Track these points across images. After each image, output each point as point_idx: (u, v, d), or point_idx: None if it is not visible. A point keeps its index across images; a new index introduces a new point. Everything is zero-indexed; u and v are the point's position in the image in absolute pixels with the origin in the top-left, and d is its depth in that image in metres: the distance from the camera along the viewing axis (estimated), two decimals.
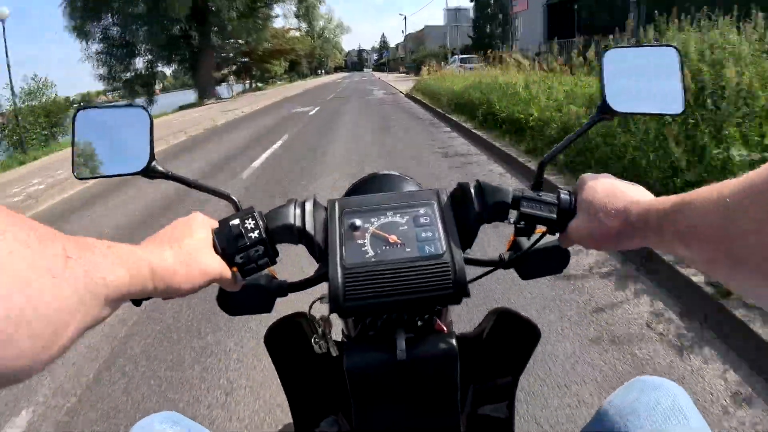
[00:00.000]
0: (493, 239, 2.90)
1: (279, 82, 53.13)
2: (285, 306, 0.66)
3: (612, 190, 0.51)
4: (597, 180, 0.54)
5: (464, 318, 2.12)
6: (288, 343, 0.69)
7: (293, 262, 2.11)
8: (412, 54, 58.45)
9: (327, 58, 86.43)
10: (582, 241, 0.54)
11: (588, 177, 0.55)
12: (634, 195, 0.49)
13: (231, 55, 39.30)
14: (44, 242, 0.30)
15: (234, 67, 39.55)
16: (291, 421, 0.74)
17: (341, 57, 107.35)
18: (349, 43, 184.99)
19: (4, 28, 11.93)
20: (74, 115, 0.58)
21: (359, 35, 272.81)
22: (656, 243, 0.44)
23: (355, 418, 0.60)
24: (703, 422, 0.60)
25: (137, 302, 0.46)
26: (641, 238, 0.46)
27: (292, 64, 58.40)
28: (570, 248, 0.61)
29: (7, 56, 12.24)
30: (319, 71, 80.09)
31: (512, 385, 0.71)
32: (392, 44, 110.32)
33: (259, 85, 45.64)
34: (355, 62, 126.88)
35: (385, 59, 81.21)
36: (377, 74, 61.59)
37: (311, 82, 45.99)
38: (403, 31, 71.45)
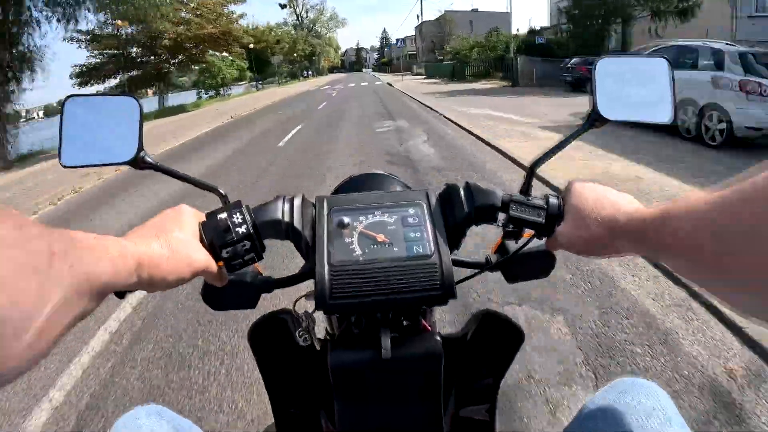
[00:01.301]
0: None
1: (237, 91, 35.70)
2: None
3: (600, 198, 0.51)
4: (585, 186, 0.54)
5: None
6: (272, 341, 0.67)
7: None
8: (436, 48, 40.79)
9: (318, 55, 70.40)
10: (568, 246, 0.54)
11: (577, 183, 0.55)
12: (621, 203, 0.49)
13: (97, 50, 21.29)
14: (30, 240, 0.30)
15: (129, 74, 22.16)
16: (273, 420, 0.72)
17: (337, 55, 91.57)
18: (345, 42, 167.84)
19: None
20: (63, 102, 0.56)
21: (357, 34, 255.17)
22: (642, 251, 0.45)
23: (337, 416, 0.59)
24: (683, 423, 0.60)
25: (121, 294, 0.45)
26: (627, 247, 0.47)
27: (260, 62, 41.12)
28: (557, 253, 0.61)
29: None
30: (307, 72, 61.87)
31: (494, 388, 0.70)
32: (393, 40, 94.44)
33: (203, 97, 28.41)
34: (353, 61, 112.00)
35: (399, 53, 62.50)
36: (383, 77, 44.04)
37: (276, 94, 27.59)
38: (418, 16, 53.55)
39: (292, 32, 58.82)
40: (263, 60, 41.90)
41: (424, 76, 34.67)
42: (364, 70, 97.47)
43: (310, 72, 61.26)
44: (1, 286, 0.27)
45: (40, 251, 0.30)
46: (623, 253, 0.48)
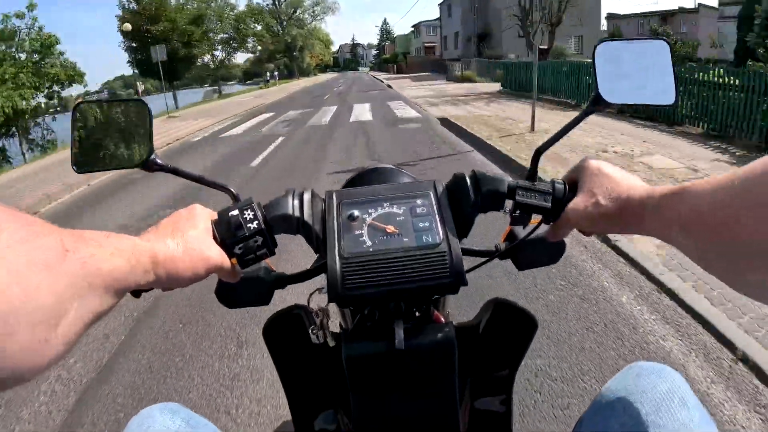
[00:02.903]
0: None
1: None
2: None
3: (613, 175, 0.52)
4: (600, 163, 0.54)
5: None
6: (287, 337, 0.68)
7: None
8: (539, 19, 20.51)
9: (301, 50, 51.59)
10: (578, 222, 0.54)
11: (591, 160, 0.56)
12: (634, 182, 0.50)
13: None
14: (42, 237, 0.31)
15: None
16: (290, 417, 0.73)
17: (327, 51, 72.50)
18: (339, 41, 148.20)
19: None
20: (74, 109, 0.57)
21: (352, 33, 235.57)
22: (654, 229, 0.45)
23: (353, 409, 0.60)
24: (700, 406, 0.60)
25: (137, 293, 0.46)
26: (639, 223, 0.47)
27: (172, 61, 21.88)
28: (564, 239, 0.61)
29: None
30: (273, 76, 41.50)
31: (509, 379, 0.71)
32: (395, 33, 76.80)
33: None
34: (348, 59, 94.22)
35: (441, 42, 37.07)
36: (400, 86, 22.93)
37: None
38: None
39: (233, 9, 38.89)
40: (171, 57, 22.50)
41: (500, 89, 15.15)
42: (360, 69, 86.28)
43: (276, 75, 41.11)
44: (15, 279, 0.27)
45: (52, 247, 0.31)
46: (635, 229, 0.48)
